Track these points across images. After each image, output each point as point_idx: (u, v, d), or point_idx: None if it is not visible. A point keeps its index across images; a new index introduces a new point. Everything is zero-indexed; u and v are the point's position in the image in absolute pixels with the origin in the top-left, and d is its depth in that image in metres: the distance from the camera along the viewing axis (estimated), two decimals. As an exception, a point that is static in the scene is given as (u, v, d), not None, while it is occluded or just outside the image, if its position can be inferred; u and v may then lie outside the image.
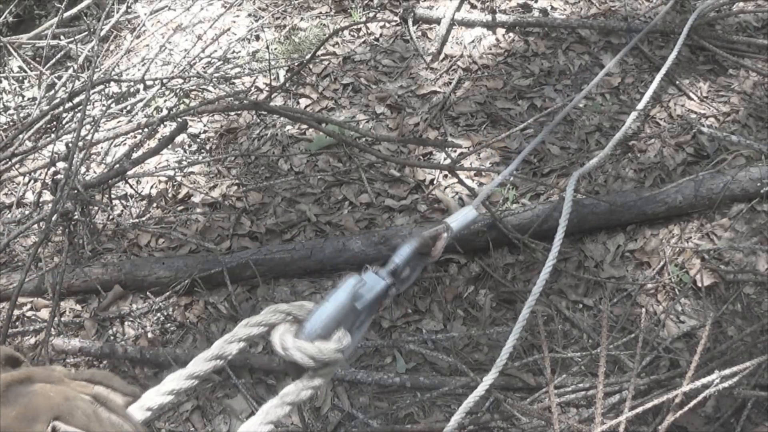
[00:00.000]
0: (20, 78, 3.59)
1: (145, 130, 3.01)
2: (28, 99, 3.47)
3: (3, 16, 3.57)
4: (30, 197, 2.97)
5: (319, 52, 3.33)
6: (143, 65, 3.42)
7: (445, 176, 2.84)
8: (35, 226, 2.60)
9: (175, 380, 0.67)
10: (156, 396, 0.66)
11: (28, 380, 0.60)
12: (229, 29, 3.58)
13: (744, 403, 2.01)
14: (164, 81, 3.25)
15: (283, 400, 0.66)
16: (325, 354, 0.63)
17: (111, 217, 2.74)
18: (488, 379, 1.12)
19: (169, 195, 2.93)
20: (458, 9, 3.43)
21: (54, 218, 2.28)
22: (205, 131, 3.18)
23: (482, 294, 2.51)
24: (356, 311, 0.67)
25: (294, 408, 0.66)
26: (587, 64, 3.22)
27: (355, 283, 0.67)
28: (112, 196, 2.83)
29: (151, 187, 2.96)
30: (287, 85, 3.23)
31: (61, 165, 2.69)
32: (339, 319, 0.65)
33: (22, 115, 3.32)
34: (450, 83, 3.21)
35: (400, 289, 0.72)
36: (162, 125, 3.02)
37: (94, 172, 3.02)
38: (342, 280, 0.68)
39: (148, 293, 2.56)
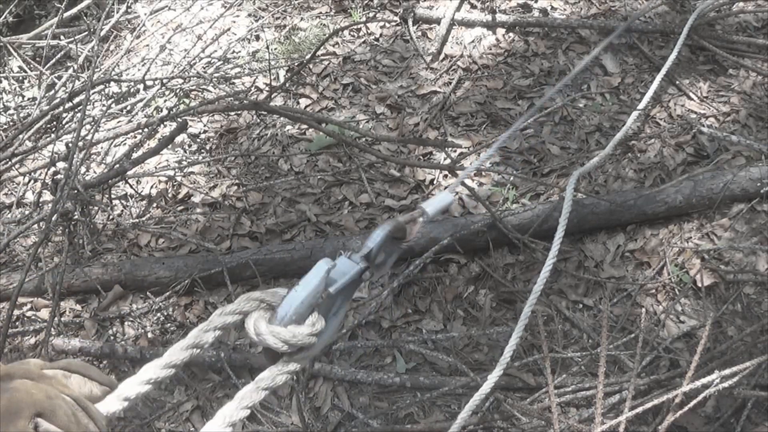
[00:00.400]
0: (20, 78, 3.59)
1: (145, 130, 3.01)
2: (28, 99, 3.47)
3: (3, 16, 3.57)
4: (30, 197, 2.97)
5: (319, 52, 3.33)
6: (143, 65, 3.42)
7: (445, 176, 2.84)
8: (35, 226, 2.60)
9: (153, 369, 0.67)
10: (133, 386, 0.67)
11: (7, 377, 0.60)
12: (229, 29, 3.58)
13: (744, 403, 2.01)
14: (164, 81, 3.25)
15: (258, 385, 0.66)
16: (298, 338, 0.63)
17: (111, 217, 2.74)
18: (493, 377, 1.12)
19: (169, 195, 2.93)
20: (458, 9, 3.43)
21: (54, 218, 2.27)
22: (205, 131, 3.18)
23: (482, 294, 2.51)
24: (330, 296, 0.66)
25: (270, 393, 0.66)
26: (587, 64, 3.22)
27: (326, 267, 0.66)
28: (112, 196, 2.83)
29: (151, 187, 2.96)
30: (287, 85, 3.23)
31: (61, 165, 2.69)
32: (312, 303, 0.64)
33: (22, 115, 3.32)
34: (450, 83, 3.21)
35: (375, 274, 0.71)
36: (162, 125, 3.02)
37: (94, 172, 3.02)
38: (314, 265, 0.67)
39: (148, 293, 2.56)
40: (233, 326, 0.67)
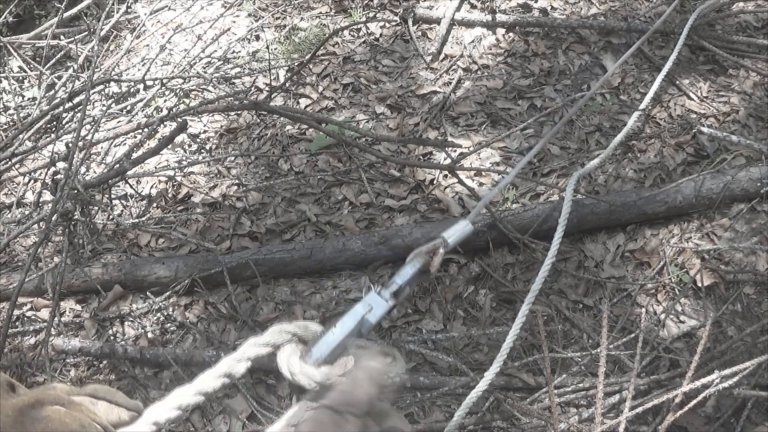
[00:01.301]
0: (20, 78, 3.59)
1: (145, 130, 3.01)
2: (28, 99, 3.47)
3: (3, 16, 3.57)
4: (30, 197, 2.98)
5: (319, 52, 3.33)
6: (143, 65, 3.43)
7: (445, 176, 2.84)
8: (35, 226, 2.60)
9: (183, 395, 0.67)
10: (163, 410, 0.66)
11: (38, 404, 0.59)
12: (229, 29, 3.58)
13: (744, 403, 2.01)
14: (164, 81, 3.25)
15: (289, 422, 0.66)
16: (331, 380, 0.65)
17: (111, 217, 2.74)
18: (489, 375, 1.12)
19: (169, 195, 2.93)
20: (458, 9, 3.43)
21: (54, 218, 2.27)
22: (205, 131, 3.18)
23: (482, 294, 2.51)
24: (360, 334, 0.69)
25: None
26: (587, 64, 3.22)
27: (363, 313, 0.68)
28: (112, 196, 2.83)
29: (151, 187, 2.96)
30: (287, 85, 3.23)
31: (61, 165, 2.69)
32: (345, 345, 0.66)
33: (22, 115, 3.32)
34: (450, 83, 3.21)
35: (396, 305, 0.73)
36: (162, 125, 3.02)
37: (94, 172, 3.02)
38: (351, 306, 0.69)
39: (148, 293, 2.56)
40: (265, 357, 0.68)
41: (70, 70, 3.45)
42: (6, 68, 3.60)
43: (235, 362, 0.68)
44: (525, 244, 2.51)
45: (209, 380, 0.67)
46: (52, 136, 2.97)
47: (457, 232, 0.77)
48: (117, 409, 0.67)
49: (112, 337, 2.48)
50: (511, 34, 3.37)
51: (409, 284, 0.73)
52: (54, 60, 3.47)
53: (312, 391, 0.65)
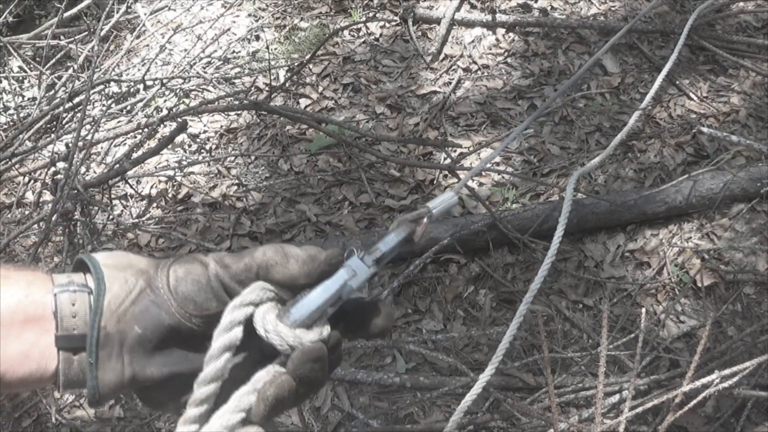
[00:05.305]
0: (20, 78, 3.59)
1: (145, 130, 3.01)
2: (28, 99, 3.47)
3: (3, 16, 3.56)
4: (30, 197, 2.97)
5: (319, 52, 3.33)
6: (143, 65, 3.43)
7: (445, 176, 2.84)
8: (35, 226, 2.60)
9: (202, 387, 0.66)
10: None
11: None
12: (229, 29, 3.58)
13: (744, 403, 2.01)
14: (164, 81, 3.25)
15: (254, 386, 0.64)
16: (303, 344, 0.62)
17: (111, 217, 2.74)
18: (484, 377, 1.11)
19: (169, 195, 2.93)
20: (458, 9, 3.43)
21: (54, 218, 2.27)
22: (205, 131, 3.18)
23: (482, 294, 2.51)
24: (339, 300, 0.67)
25: None
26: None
27: (347, 278, 0.66)
28: (112, 196, 2.83)
29: (151, 187, 2.96)
30: (287, 85, 3.23)
31: (61, 165, 2.69)
32: (324, 310, 0.65)
33: (22, 115, 3.32)
34: (450, 83, 3.21)
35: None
36: (162, 125, 3.02)
37: (94, 172, 3.02)
38: (335, 269, 0.66)
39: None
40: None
41: (70, 70, 3.44)
42: (6, 68, 3.60)
43: (225, 332, 0.62)
44: (525, 244, 2.51)
45: (218, 362, 0.64)
46: (52, 136, 2.97)
47: (442, 202, 0.76)
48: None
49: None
50: (511, 34, 3.37)
51: (392, 252, 0.72)
52: (54, 60, 3.47)
53: (283, 353, 0.63)
